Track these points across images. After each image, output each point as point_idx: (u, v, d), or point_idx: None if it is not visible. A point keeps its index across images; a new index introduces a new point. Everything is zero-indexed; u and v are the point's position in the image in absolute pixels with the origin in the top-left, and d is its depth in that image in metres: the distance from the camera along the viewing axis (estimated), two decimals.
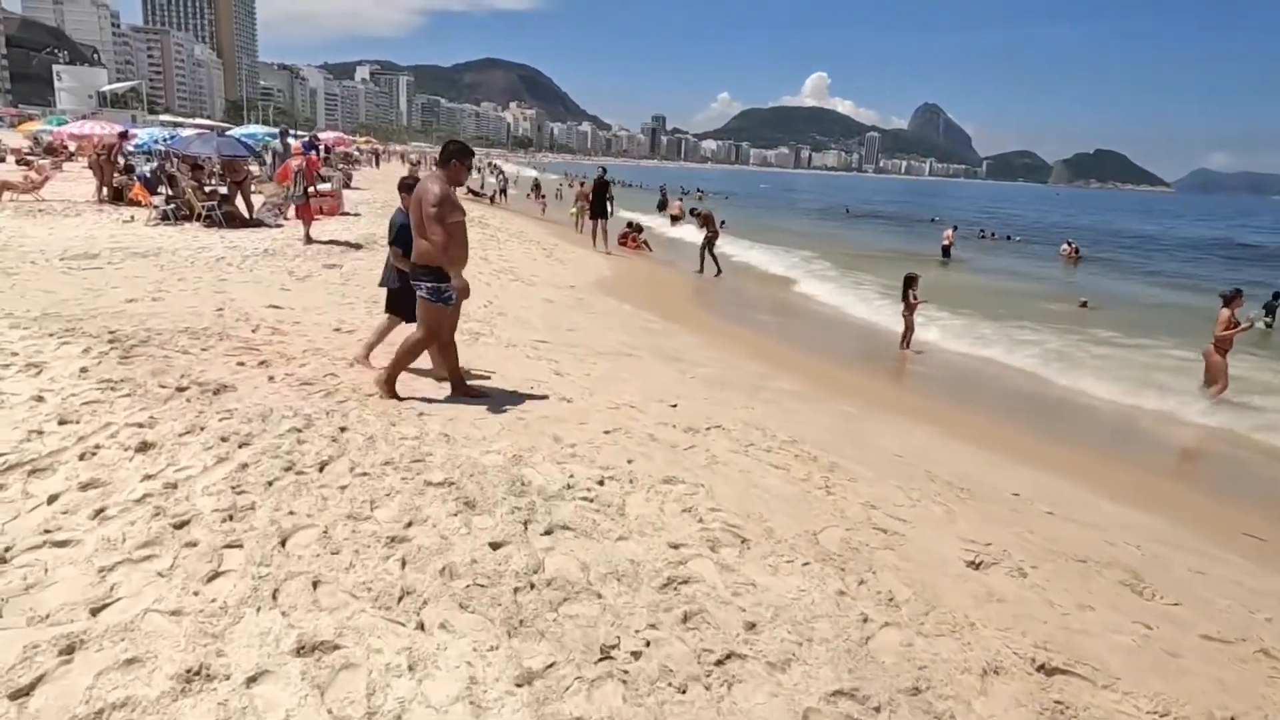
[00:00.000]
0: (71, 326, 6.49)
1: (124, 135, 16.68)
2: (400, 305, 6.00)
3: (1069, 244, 31.06)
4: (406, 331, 5.62)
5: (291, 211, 14.05)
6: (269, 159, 18.47)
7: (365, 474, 3.92)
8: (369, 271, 11.20)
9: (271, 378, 5.54)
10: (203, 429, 4.34)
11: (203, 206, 13.92)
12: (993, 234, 38.06)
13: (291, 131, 15.03)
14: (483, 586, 2.93)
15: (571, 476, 4.18)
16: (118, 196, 16.82)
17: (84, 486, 3.52)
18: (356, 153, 42.10)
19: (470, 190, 37.41)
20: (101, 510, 3.29)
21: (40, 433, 4.13)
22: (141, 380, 5.14)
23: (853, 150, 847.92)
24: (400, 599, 2.79)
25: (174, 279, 9.64)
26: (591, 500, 3.89)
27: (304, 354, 6.31)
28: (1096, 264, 28.91)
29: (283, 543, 3.13)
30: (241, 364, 5.81)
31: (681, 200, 35.09)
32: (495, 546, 3.28)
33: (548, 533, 3.48)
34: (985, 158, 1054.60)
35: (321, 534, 3.22)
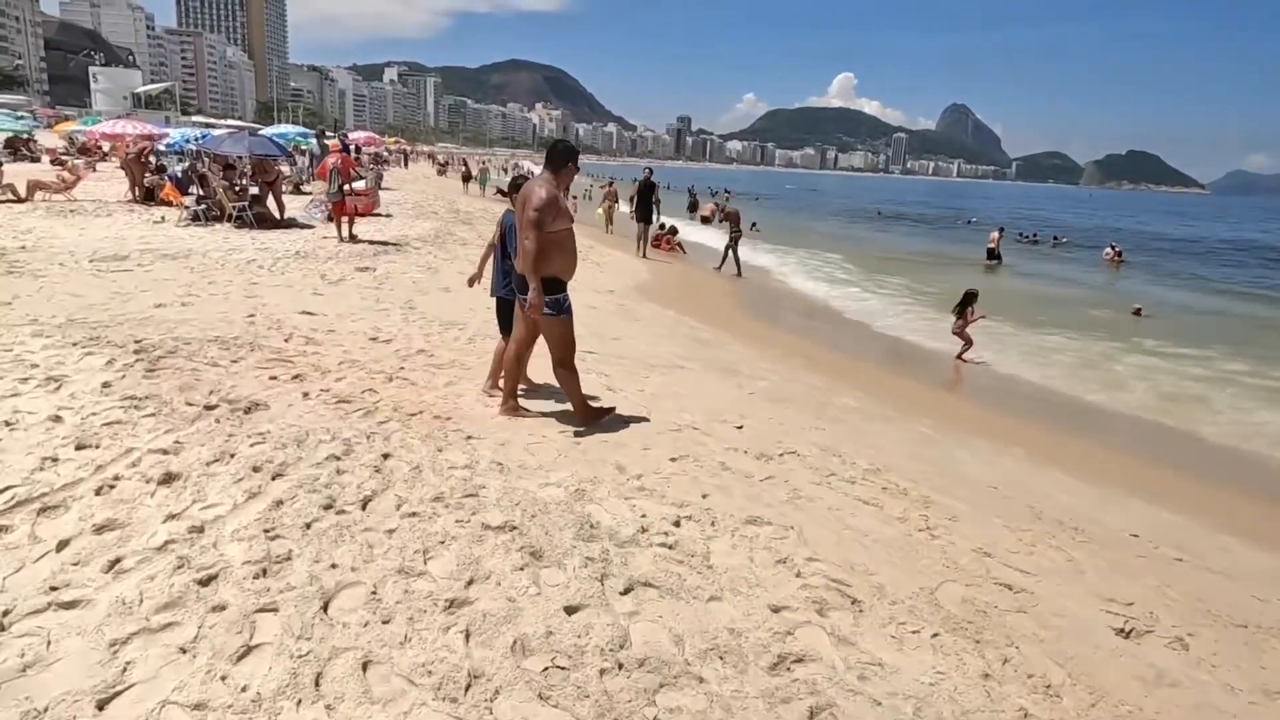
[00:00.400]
0: (96, 335, 6.12)
1: (149, 137, 16.49)
2: (508, 318, 5.54)
3: (1112, 248, 30.07)
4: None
5: (321, 211, 13.90)
6: (304, 160, 18.24)
7: (414, 514, 3.45)
8: (402, 274, 10.82)
9: (306, 394, 5.10)
10: (232, 456, 3.90)
11: (234, 207, 13.63)
12: (1034, 236, 37.00)
13: (328, 133, 14.68)
14: (563, 669, 2.44)
15: (644, 516, 3.68)
16: (149, 196, 16.63)
17: (99, 529, 3.09)
18: (385, 153, 42.02)
19: (500, 190, 37.20)
20: (117, 561, 2.85)
21: (55, 460, 3.72)
22: (167, 397, 4.73)
23: (879, 151, 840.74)
24: (468, 687, 2.30)
25: (204, 282, 9.30)
26: (671, 547, 3.39)
27: (340, 366, 5.88)
28: (1139, 268, 27.91)
29: (325, 606, 2.66)
30: (274, 378, 5.38)
31: (714, 200, 34.44)
32: (571, 611, 2.78)
33: (628, 590, 2.99)
34: (1014, 159, 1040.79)
35: (369, 595, 2.75)
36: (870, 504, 4.31)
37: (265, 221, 13.93)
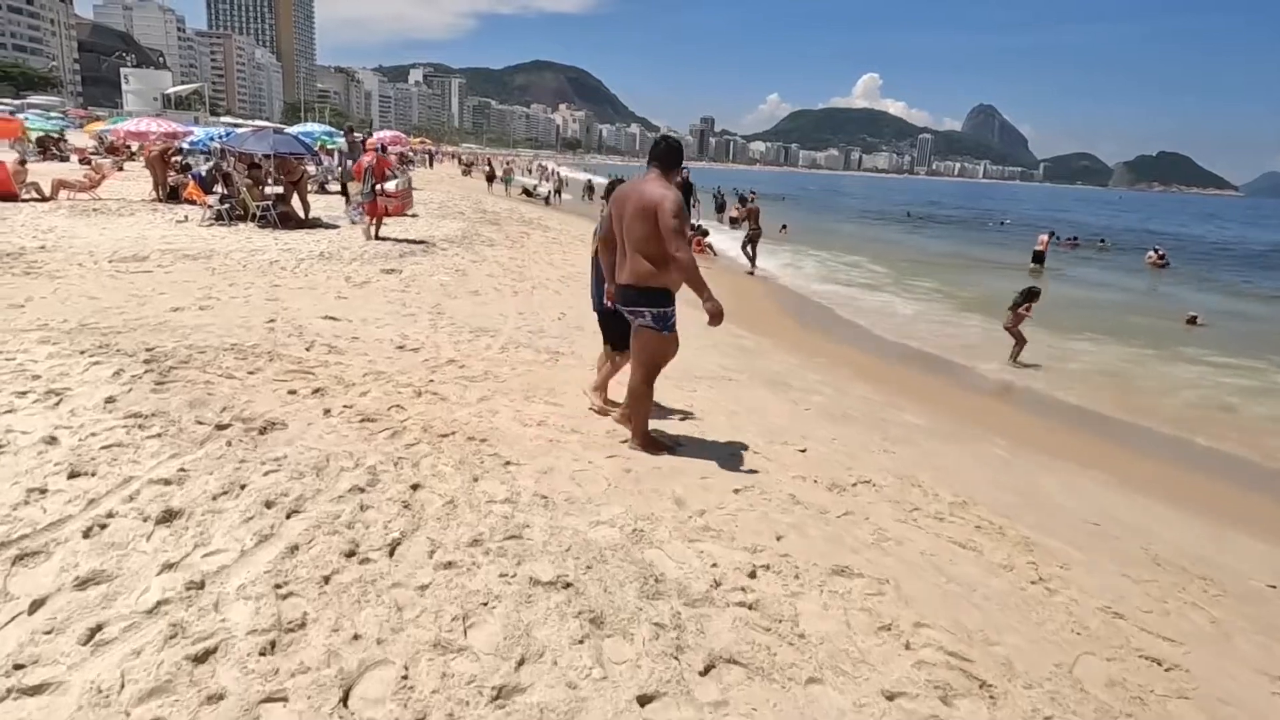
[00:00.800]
0: (106, 342, 5.70)
1: (173, 135, 16.24)
2: (614, 332, 5.14)
3: (1154, 251, 29.07)
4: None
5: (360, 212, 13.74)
6: (332, 159, 17.95)
7: (450, 563, 2.95)
8: (429, 277, 10.38)
9: (328, 411, 4.63)
10: (243, 488, 3.43)
11: (257, 207, 13.29)
12: (1074, 239, 35.95)
13: (356, 130, 14.33)
14: None
15: (715, 566, 3.16)
16: (173, 196, 16.38)
17: (82, 583, 2.61)
18: (410, 153, 41.87)
19: (525, 191, 36.84)
20: (99, 629, 2.37)
21: (43, 492, 3.26)
22: (176, 414, 4.27)
23: (904, 152, 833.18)
24: None
25: (224, 284, 8.91)
26: (752, 608, 2.86)
27: (364, 378, 5.41)
28: (1182, 273, 26.90)
29: (345, 697, 2.16)
30: (293, 392, 4.92)
31: (743, 199, 33.59)
32: (645, 701, 2.27)
33: (708, 669, 2.46)
34: (1042, 160, 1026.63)
35: (399, 680, 2.24)
36: (967, 547, 3.75)
37: (289, 221, 13.58)
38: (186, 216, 13.85)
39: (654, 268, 4.15)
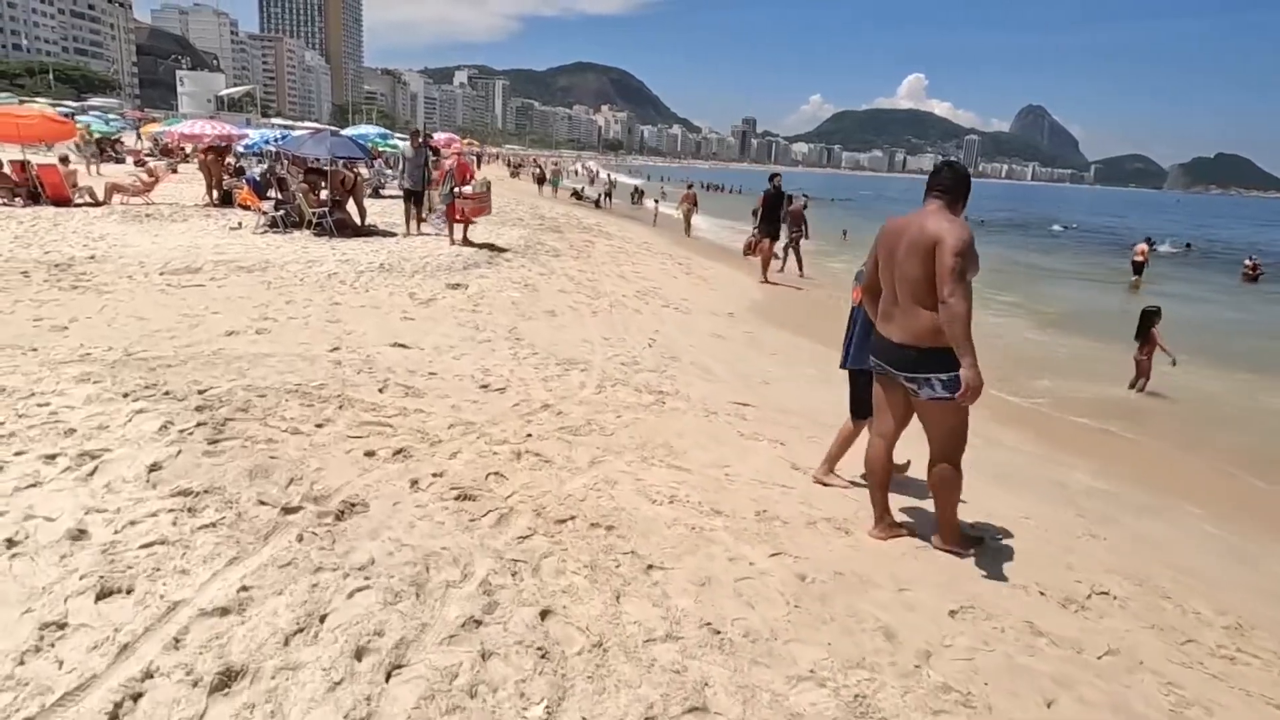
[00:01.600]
0: (153, 380, 4.92)
1: (228, 138, 15.68)
2: (860, 394, 4.26)
3: (1250, 259, 27.16)
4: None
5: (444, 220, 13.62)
6: (381, 161, 17.31)
7: None
8: (498, 293, 9.54)
9: (415, 482, 3.75)
10: (323, 620, 2.55)
11: (314, 213, 12.62)
12: (1149, 244, 33.96)
13: (421, 132, 13.59)
14: None
15: None
16: (226, 200, 15.87)
17: None
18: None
19: (575, 194, 36.10)
20: None
21: (62, 628, 2.42)
22: (234, 491, 3.43)
23: (950, 153, 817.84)
24: None
25: (281, 301, 8.18)
26: None
27: (450, 431, 4.54)
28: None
29: None
30: (371, 454, 4.05)
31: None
32: None
33: None
34: (1093, 162, 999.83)
35: None
36: None
37: (346, 229, 12.88)
38: (240, 223, 13.25)
39: (944, 323, 3.19)
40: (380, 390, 5.17)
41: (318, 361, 5.77)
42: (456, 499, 3.64)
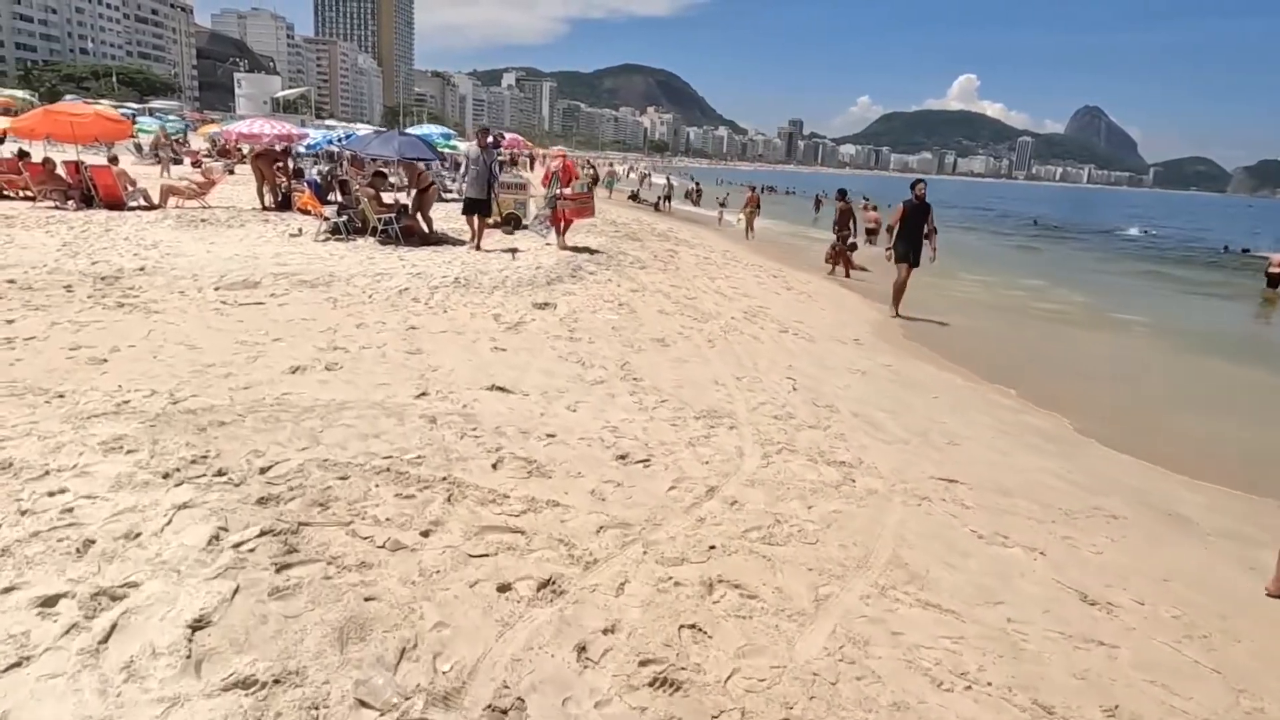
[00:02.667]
0: (204, 450, 3.75)
1: (287, 138, 14.73)
2: None
3: None
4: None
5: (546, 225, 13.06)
6: (456, 166, 16.25)
7: None
8: (591, 313, 8.29)
9: (582, 650, 2.47)
10: None
11: (379, 219, 11.54)
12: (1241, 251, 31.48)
13: (491, 132, 12.39)
14: None
15: None
16: (285, 204, 14.95)
17: None
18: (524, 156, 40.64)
19: (632, 196, 34.88)
20: None
21: None
22: (319, 678, 2.19)
23: (1002, 155, 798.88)
24: None
25: (350, 323, 7.04)
26: None
27: (602, 540, 3.25)
28: None
29: None
30: (506, 589, 2.79)
31: (870, 209, 30.49)
32: None
33: None
34: (1152, 164, 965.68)
35: None
36: None
37: (412, 237, 11.78)
38: (300, 230, 12.24)
39: None
40: (494, 466, 3.91)
41: (406, 416, 4.54)
42: (652, 686, 2.34)
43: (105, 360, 5.49)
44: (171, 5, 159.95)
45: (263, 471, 3.55)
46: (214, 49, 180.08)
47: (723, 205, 30.46)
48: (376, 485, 3.51)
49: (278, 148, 14.61)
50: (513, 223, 14.03)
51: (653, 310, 8.83)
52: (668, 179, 39.20)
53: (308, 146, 16.88)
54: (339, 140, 16.11)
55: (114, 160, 13.61)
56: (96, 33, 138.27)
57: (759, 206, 23.99)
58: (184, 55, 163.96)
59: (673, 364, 6.57)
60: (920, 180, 11.02)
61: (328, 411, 4.53)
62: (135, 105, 63.71)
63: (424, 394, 5.12)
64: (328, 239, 11.67)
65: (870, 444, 5.04)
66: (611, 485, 3.84)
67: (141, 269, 8.88)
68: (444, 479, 3.63)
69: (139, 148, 29.38)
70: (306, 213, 13.73)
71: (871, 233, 25.87)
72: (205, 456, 3.68)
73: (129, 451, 3.70)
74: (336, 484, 3.49)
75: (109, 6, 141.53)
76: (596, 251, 12.96)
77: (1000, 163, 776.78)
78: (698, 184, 40.99)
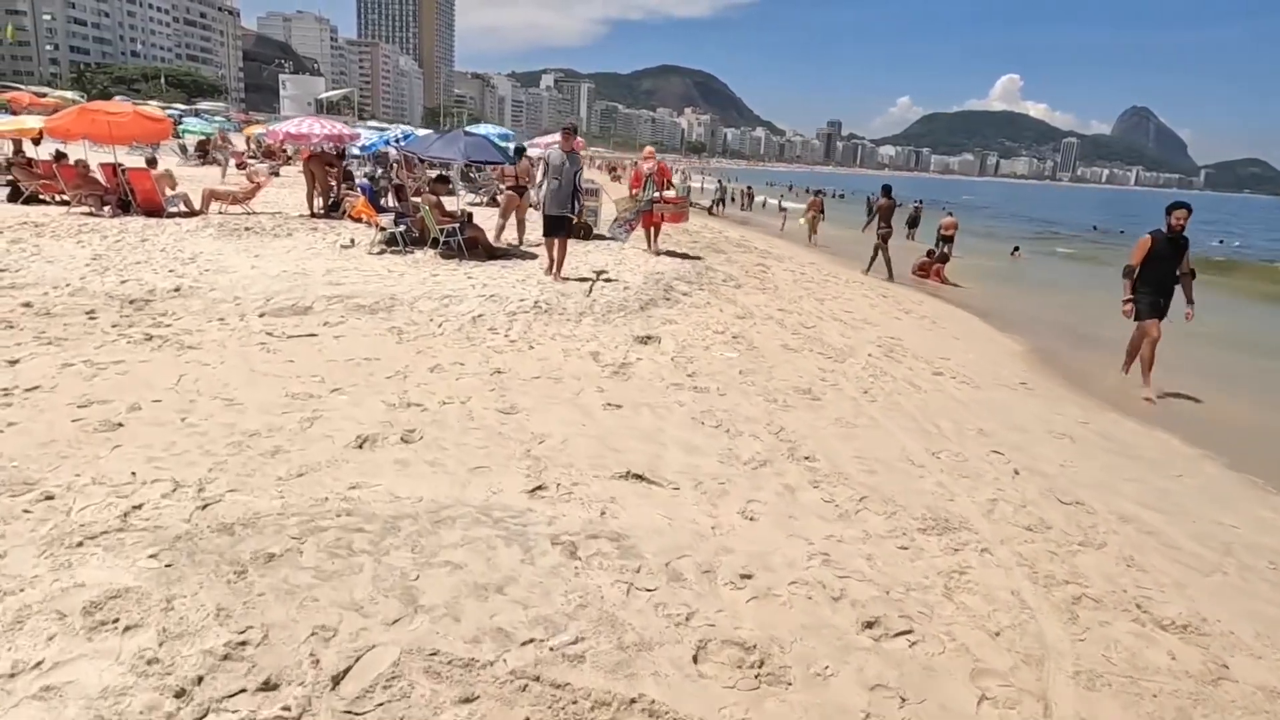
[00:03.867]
0: (244, 631, 2.37)
1: (339, 138, 13.49)
2: None
3: None
4: None
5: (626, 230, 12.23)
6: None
7: None
8: (703, 349, 6.87)
9: None
10: None
11: (441, 230, 10.23)
12: None
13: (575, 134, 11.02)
14: None
15: None
16: (334, 208, 13.75)
17: None
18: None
19: (715, 204, 33.24)
20: None
21: None
22: None
23: (1045, 157, 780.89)
24: None
25: (423, 364, 5.71)
26: None
27: None
28: None
29: None
30: None
31: (948, 214, 28.38)
32: None
33: None
34: (1203, 166, 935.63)
35: None
36: None
37: (476, 248, 10.43)
38: (353, 240, 10.98)
39: None
40: (694, 659, 2.45)
41: (532, 541, 3.12)
42: None
43: (120, 425, 4.20)
44: (219, 8, 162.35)
45: (335, 684, 2.15)
46: (260, 51, 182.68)
47: (784, 210, 28.91)
48: (528, 718, 2.09)
49: (328, 148, 13.38)
50: (584, 231, 12.65)
51: (774, 344, 7.34)
52: (720, 182, 37.62)
53: (362, 148, 15.63)
54: (396, 141, 14.77)
55: (152, 162, 12.51)
56: (147, 35, 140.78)
57: (823, 211, 22.96)
58: (230, 57, 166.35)
59: (838, 429, 5.07)
60: (1180, 205, 7.26)
61: (418, 530, 3.13)
62: (182, 106, 63.94)
63: (540, 487, 3.72)
64: (383, 251, 10.40)
65: (1180, 575, 3.50)
66: (886, 694, 2.37)
67: (177, 289, 7.65)
68: (632, 701, 2.19)
69: (184, 149, 28.70)
70: (358, 220, 12.51)
71: (948, 240, 24.01)
72: (244, 644, 2.30)
73: (128, 630, 2.33)
74: (460, 712, 2.07)
75: (159, 10, 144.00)
76: (687, 257, 11.65)
77: (1044, 164, 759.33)
78: (749, 187, 39.32)
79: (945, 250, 18.49)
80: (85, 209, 12.31)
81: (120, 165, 12.31)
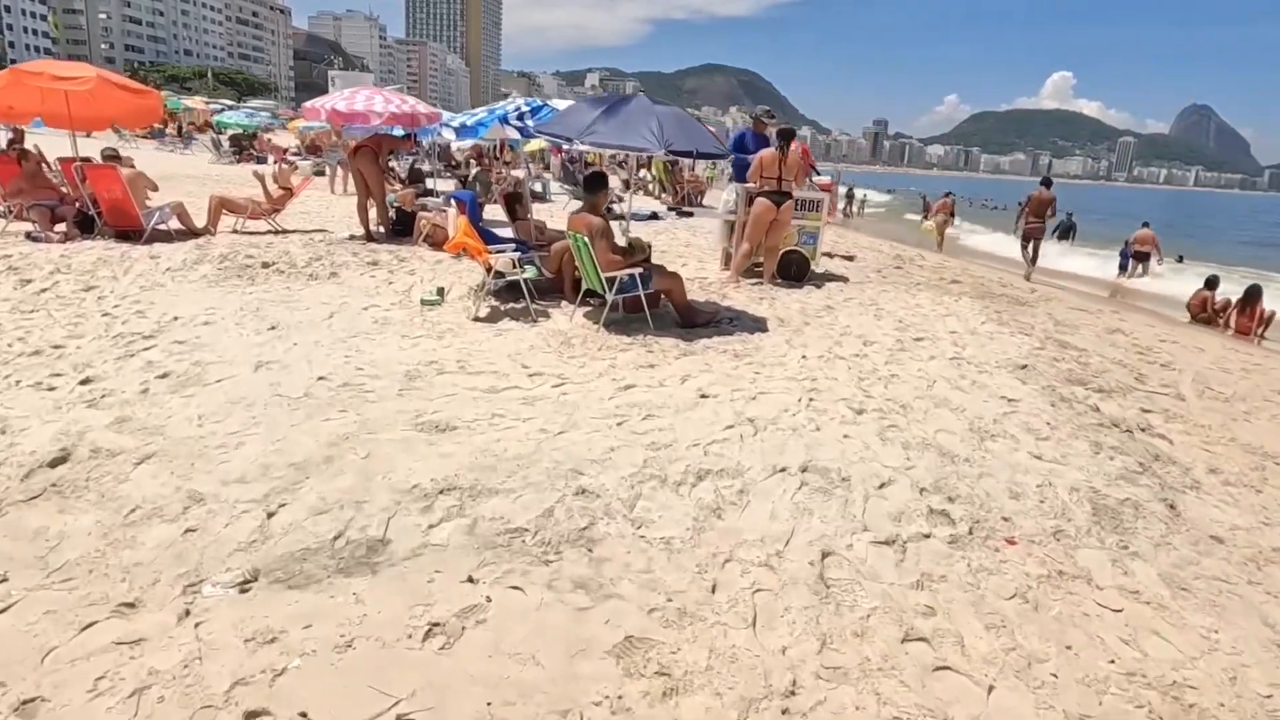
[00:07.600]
0: None
1: (411, 118, 8.77)
2: None
3: None
4: None
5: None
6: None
7: None
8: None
9: None
10: None
11: (609, 280, 5.57)
12: None
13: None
14: None
15: None
16: (403, 227, 9.29)
17: None
18: None
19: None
20: None
21: None
22: None
23: (1100, 157, 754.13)
24: None
25: None
26: None
27: None
28: None
29: None
30: None
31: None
32: None
33: None
34: (1267, 166, 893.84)
35: None
36: None
37: (656, 306, 5.78)
38: (440, 291, 6.40)
39: None
40: None
41: None
42: None
43: None
44: (270, 7, 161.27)
45: None
46: (310, 50, 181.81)
47: (924, 216, 24.24)
48: None
49: (395, 133, 8.80)
50: (793, 270, 7.94)
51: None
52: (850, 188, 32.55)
53: (461, 129, 10.34)
54: (518, 116, 9.61)
55: (116, 157, 8.04)
56: (200, 34, 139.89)
57: (953, 214, 20.39)
58: (281, 56, 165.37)
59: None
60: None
61: None
62: (228, 102, 60.92)
63: None
64: (494, 310, 5.82)
65: None
66: None
67: (62, 458, 3.12)
68: None
69: (217, 144, 24.76)
70: (439, 246, 8.01)
71: (1142, 257, 18.71)
72: None
73: None
74: None
75: (212, 9, 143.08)
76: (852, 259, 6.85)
77: (1099, 164, 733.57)
78: (851, 188, 34.47)
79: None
80: (30, 223, 7.99)
81: (78, 160, 7.95)
